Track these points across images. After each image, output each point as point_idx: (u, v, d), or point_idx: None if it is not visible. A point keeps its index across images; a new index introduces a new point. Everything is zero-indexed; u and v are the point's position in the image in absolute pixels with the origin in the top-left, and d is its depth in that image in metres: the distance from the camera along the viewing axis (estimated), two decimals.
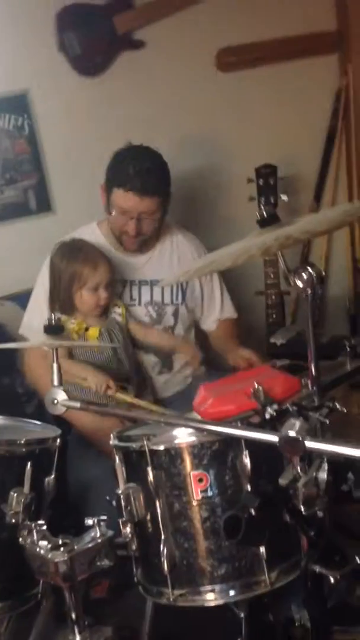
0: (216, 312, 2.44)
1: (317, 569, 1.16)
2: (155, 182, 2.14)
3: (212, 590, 1.39)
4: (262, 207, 2.37)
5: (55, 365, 1.47)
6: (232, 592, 1.38)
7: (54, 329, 1.53)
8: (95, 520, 1.41)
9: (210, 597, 1.39)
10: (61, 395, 1.44)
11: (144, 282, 2.30)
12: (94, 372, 2.02)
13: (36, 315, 2.22)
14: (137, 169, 2.10)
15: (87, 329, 2.10)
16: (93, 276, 2.06)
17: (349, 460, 1.20)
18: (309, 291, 1.26)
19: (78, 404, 1.43)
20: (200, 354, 2.26)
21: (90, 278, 2.06)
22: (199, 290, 2.39)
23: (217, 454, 1.39)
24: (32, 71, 2.57)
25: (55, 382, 1.46)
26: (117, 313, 2.19)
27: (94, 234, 2.30)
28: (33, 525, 1.40)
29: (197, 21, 2.78)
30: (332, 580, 1.16)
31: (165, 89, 2.78)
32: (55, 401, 1.44)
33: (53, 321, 1.54)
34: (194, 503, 1.39)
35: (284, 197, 2.51)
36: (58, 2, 2.55)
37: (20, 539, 1.41)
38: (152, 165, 2.15)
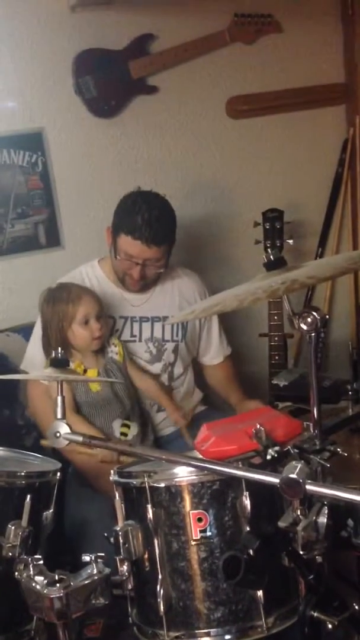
0: (212, 351, 2.47)
1: (315, 614, 1.15)
2: (163, 231, 2.16)
3: (208, 634, 1.38)
4: (269, 251, 2.40)
5: (59, 398, 1.48)
6: (228, 637, 1.37)
7: (60, 362, 1.55)
8: (93, 557, 1.39)
9: None
10: (64, 428, 1.45)
11: (145, 319, 2.32)
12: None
13: (37, 352, 2.22)
14: (145, 218, 2.12)
15: (85, 371, 2.12)
16: (79, 310, 2.07)
17: (349, 506, 1.20)
18: (313, 334, 1.28)
19: (80, 438, 1.44)
20: (183, 417, 2.21)
21: (77, 312, 2.07)
22: (197, 328, 2.42)
23: (217, 493, 1.39)
24: (49, 111, 2.64)
25: (59, 415, 1.46)
26: (114, 352, 2.20)
27: (94, 270, 2.33)
28: (30, 559, 1.39)
29: (209, 69, 2.87)
30: (329, 626, 1.15)
31: (176, 133, 2.85)
32: (58, 434, 1.44)
33: (59, 354, 1.55)
34: (193, 543, 1.39)
35: (289, 242, 2.55)
36: (76, 46, 2.63)
37: (16, 573, 1.40)
38: (160, 215, 2.16)
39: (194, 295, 2.38)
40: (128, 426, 2.14)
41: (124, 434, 2.13)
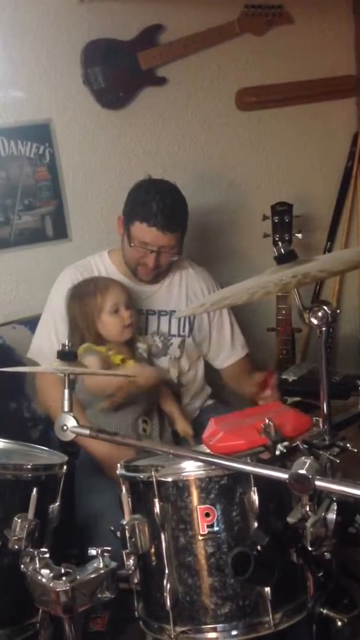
0: (226, 349, 2.43)
1: (324, 611, 1.14)
2: (177, 218, 2.18)
3: (215, 629, 1.37)
4: (280, 244, 2.38)
5: (66, 392, 1.47)
6: (234, 632, 1.36)
7: (67, 355, 1.54)
8: (99, 551, 1.39)
9: (213, 636, 1.37)
10: (71, 422, 1.44)
11: (152, 312, 2.31)
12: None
13: (45, 341, 2.23)
14: (160, 205, 2.14)
15: (123, 361, 2.08)
16: (108, 298, 2.09)
17: (358, 502, 1.19)
18: (324, 329, 1.26)
19: (87, 431, 1.42)
20: (191, 431, 2.15)
21: (105, 301, 2.08)
22: (207, 325, 2.39)
23: (225, 488, 1.38)
24: (56, 102, 2.62)
25: (66, 408, 1.45)
26: (143, 349, 2.19)
27: (103, 261, 2.33)
28: (36, 552, 1.38)
29: (219, 61, 2.85)
30: (338, 623, 1.14)
31: (185, 125, 2.83)
32: (65, 427, 1.43)
33: (67, 347, 1.54)
34: (200, 538, 1.38)
35: (298, 235, 2.53)
36: (85, 36, 2.61)
37: (22, 566, 1.40)
38: (173, 202, 2.19)
39: (202, 290, 2.36)
40: (146, 422, 2.13)
41: (145, 430, 2.11)
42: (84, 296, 2.11)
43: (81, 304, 2.11)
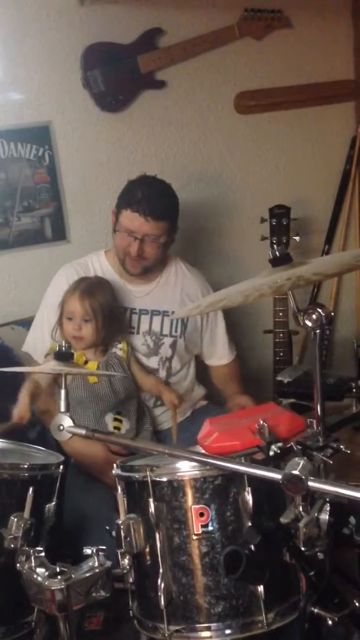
0: (218, 351, 2.46)
1: (316, 610, 1.15)
2: (162, 207, 2.20)
3: (208, 628, 1.38)
4: (275, 247, 2.40)
5: (62, 392, 1.48)
6: (228, 631, 1.37)
7: (64, 356, 1.55)
8: (94, 550, 1.40)
9: (206, 635, 1.38)
10: (67, 422, 1.45)
11: (144, 312, 2.33)
12: None
13: (38, 334, 2.29)
14: (145, 193, 2.18)
15: (86, 362, 2.13)
16: (67, 303, 2.12)
17: (352, 503, 1.20)
18: (318, 331, 1.27)
19: (83, 431, 1.44)
20: (177, 399, 2.16)
21: (65, 305, 2.13)
22: (199, 327, 2.40)
23: (219, 488, 1.39)
24: (56, 104, 2.64)
25: (62, 408, 1.46)
26: (118, 348, 2.20)
27: (99, 260, 2.35)
28: (31, 551, 1.40)
29: (218, 64, 2.86)
30: (330, 622, 1.15)
31: (184, 128, 2.84)
32: (61, 427, 1.44)
33: (63, 348, 1.55)
34: (194, 537, 1.39)
35: (296, 238, 2.54)
36: (85, 39, 2.62)
37: (18, 565, 1.41)
38: (160, 192, 2.23)
39: (196, 292, 2.38)
40: (120, 420, 2.15)
41: (117, 428, 2.14)
42: (66, 292, 2.16)
43: (62, 300, 2.16)
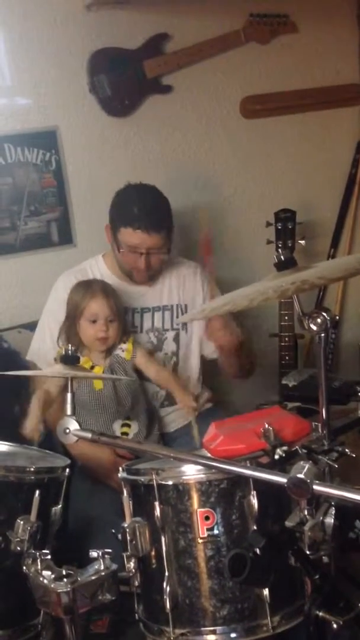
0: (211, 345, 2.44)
1: (321, 613, 1.15)
2: (160, 218, 2.21)
3: (214, 632, 1.38)
4: (280, 251, 2.40)
5: (69, 395, 1.49)
6: (233, 635, 1.37)
7: (70, 359, 1.56)
8: (100, 553, 1.40)
9: (212, 639, 1.38)
10: (73, 425, 1.46)
11: (146, 310, 2.34)
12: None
13: (41, 343, 2.29)
14: (141, 207, 2.18)
15: (92, 367, 2.13)
16: (90, 307, 2.11)
17: (358, 507, 1.20)
18: (323, 335, 1.28)
19: (89, 435, 1.44)
20: (194, 403, 2.13)
21: (87, 308, 2.11)
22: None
23: (224, 492, 1.39)
24: (63, 109, 2.65)
25: (68, 412, 1.47)
26: (122, 349, 2.19)
27: (98, 264, 2.36)
28: (38, 554, 1.40)
29: (224, 69, 2.87)
30: (335, 626, 1.15)
31: (190, 132, 2.85)
32: (67, 430, 1.45)
33: (70, 351, 1.56)
34: (200, 541, 1.39)
35: (301, 242, 2.54)
36: (91, 45, 2.64)
37: (24, 568, 1.41)
38: (154, 202, 2.23)
39: (194, 282, 2.38)
40: (129, 425, 2.15)
41: (125, 434, 2.14)
42: (75, 294, 2.16)
43: (72, 300, 2.15)
